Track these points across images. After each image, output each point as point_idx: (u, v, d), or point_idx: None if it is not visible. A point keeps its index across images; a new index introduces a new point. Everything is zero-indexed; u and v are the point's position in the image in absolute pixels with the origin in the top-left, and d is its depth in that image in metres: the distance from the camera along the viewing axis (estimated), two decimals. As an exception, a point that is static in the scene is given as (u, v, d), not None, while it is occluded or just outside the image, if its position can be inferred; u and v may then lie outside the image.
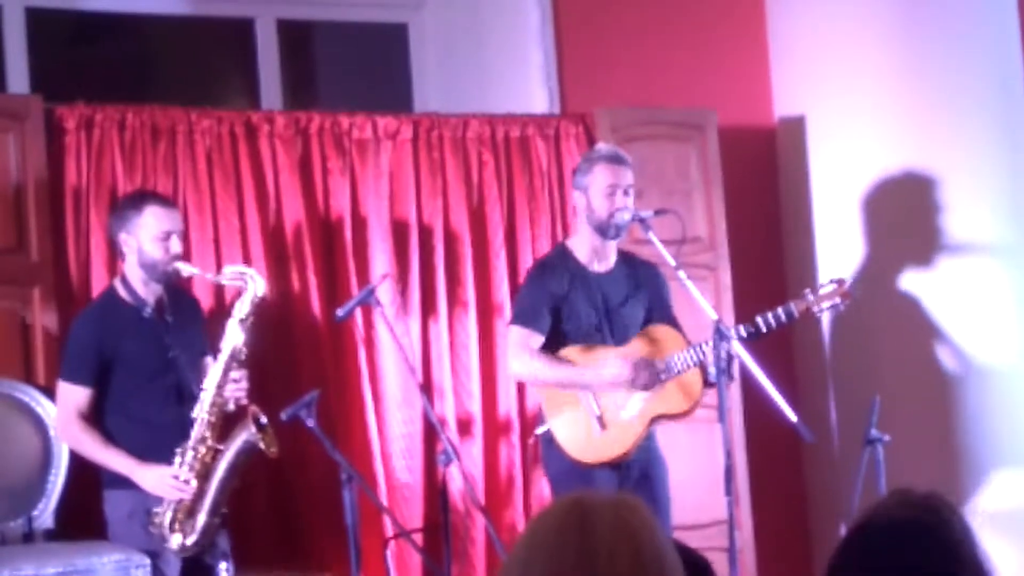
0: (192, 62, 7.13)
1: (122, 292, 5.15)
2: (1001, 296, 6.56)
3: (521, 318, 5.35)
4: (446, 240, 6.09)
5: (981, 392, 6.49)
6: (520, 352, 5.29)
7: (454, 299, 6.08)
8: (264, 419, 4.95)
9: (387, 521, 5.58)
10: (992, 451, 6.48)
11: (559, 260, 5.43)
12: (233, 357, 5.06)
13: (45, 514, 5.21)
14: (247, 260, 5.67)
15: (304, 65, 7.26)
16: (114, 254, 5.46)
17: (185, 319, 5.23)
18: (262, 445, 4.95)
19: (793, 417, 4.89)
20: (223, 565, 4.99)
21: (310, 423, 4.81)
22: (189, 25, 6.88)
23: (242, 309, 5.10)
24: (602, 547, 1.98)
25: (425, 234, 6.07)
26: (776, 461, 6.64)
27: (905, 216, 6.62)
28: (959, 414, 6.49)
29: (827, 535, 6.72)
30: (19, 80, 6.27)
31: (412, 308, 6.00)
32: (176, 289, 5.32)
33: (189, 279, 5.45)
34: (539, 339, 5.28)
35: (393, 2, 7.14)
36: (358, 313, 5.67)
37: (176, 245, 5.09)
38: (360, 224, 5.97)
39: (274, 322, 5.60)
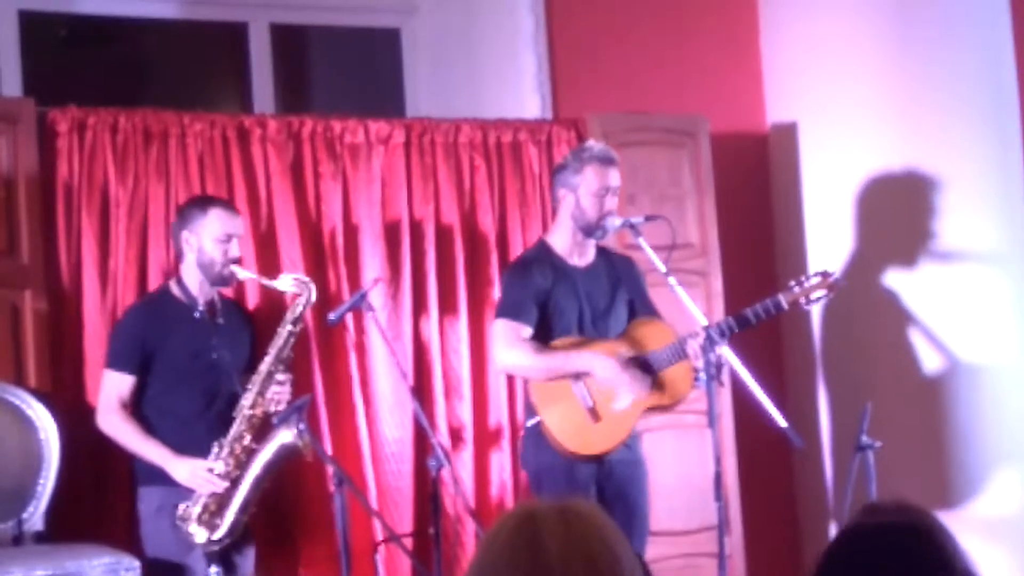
0: (185, 66, 7.13)
1: (176, 291, 5.27)
2: (993, 300, 6.58)
3: (508, 311, 5.34)
4: (438, 245, 6.09)
5: (971, 396, 6.51)
6: (508, 344, 5.28)
7: (446, 303, 6.08)
8: (304, 424, 4.98)
9: (377, 525, 5.57)
10: (983, 456, 6.50)
11: (541, 255, 5.43)
12: (279, 360, 5.16)
13: (35, 517, 5.21)
14: (238, 264, 5.66)
15: (297, 69, 7.26)
16: (104, 256, 5.49)
17: (235, 327, 5.35)
18: (301, 446, 4.99)
19: (783, 423, 4.90)
20: (213, 570, 5.00)
21: (301, 427, 4.83)
22: (182, 29, 6.88)
23: (294, 314, 5.22)
24: (556, 563, 1.97)
25: (417, 238, 6.07)
26: (766, 467, 6.65)
27: (897, 221, 6.63)
28: (949, 418, 6.50)
29: (817, 541, 6.73)
30: (12, 83, 6.28)
31: (404, 312, 6.00)
32: (230, 299, 5.47)
33: (239, 289, 5.58)
34: (528, 331, 5.27)
35: (386, 7, 7.14)
36: (350, 317, 5.67)
37: (235, 249, 5.24)
38: (352, 228, 5.97)
39: (266, 327, 5.59)
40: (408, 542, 5.66)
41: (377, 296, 5.76)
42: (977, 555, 2.31)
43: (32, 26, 6.44)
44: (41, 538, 5.21)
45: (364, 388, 5.88)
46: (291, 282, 5.30)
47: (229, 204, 5.42)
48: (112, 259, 5.54)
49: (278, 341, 5.20)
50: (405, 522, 5.87)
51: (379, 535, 5.61)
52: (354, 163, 6.00)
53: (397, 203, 6.05)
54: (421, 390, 5.94)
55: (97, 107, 5.64)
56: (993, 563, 5.85)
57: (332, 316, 5.32)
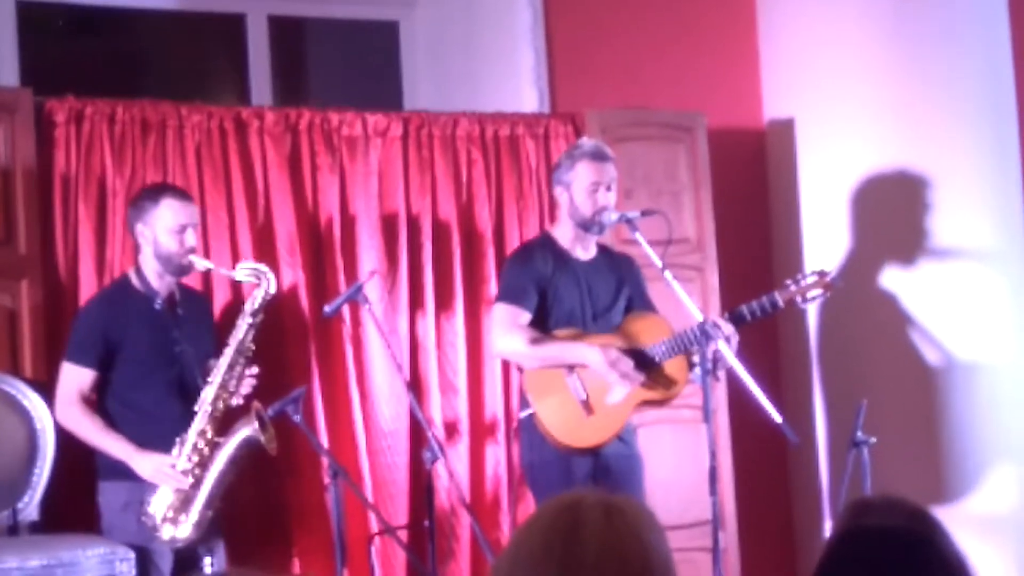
0: (183, 57, 7.13)
1: (135, 282, 5.19)
2: (989, 297, 6.58)
3: (508, 296, 5.34)
4: (434, 237, 6.10)
5: (967, 394, 6.51)
6: (506, 329, 5.28)
7: (442, 296, 6.08)
8: (267, 415, 4.95)
9: (372, 517, 5.58)
10: (978, 453, 6.50)
11: (545, 244, 5.44)
12: (240, 352, 5.10)
13: (30, 507, 5.21)
14: (235, 256, 5.67)
15: (295, 62, 7.27)
16: (101, 246, 5.49)
17: (195, 317, 5.28)
18: (263, 440, 4.95)
19: (778, 418, 4.90)
20: (207, 560, 5.00)
21: (297, 419, 4.83)
22: (180, 20, 6.88)
23: (253, 305, 5.14)
24: (589, 559, 1.97)
25: (414, 231, 6.07)
26: (761, 462, 6.66)
27: (893, 218, 6.64)
28: (944, 416, 6.51)
29: (811, 536, 6.74)
30: (9, 73, 6.26)
31: (400, 305, 6.00)
32: (189, 288, 5.39)
33: (207, 281, 5.53)
34: (527, 316, 5.27)
35: (384, 0, 7.14)
36: (346, 310, 5.68)
37: (191, 238, 5.14)
38: (349, 221, 5.97)
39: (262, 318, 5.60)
40: (403, 534, 5.66)
41: (373, 289, 5.76)
42: (971, 551, 2.32)
43: (30, 16, 6.43)
44: (36, 528, 5.21)
45: (360, 380, 5.89)
46: (248, 272, 5.23)
47: (183, 192, 5.31)
48: (109, 249, 5.53)
49: (237, 333, 5.11)
50: (400, 514, 5.88)
51: (374, 527, 5.62)
52: (351, 155, 6.00)
53: (394, 196, 6.06)
54: (416, 383, 5.95)
55: (95, 98, 5.63)
56: (987, 559, 5.86)
57: (328, 308, 5.32)
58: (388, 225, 6.02)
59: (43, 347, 5.36)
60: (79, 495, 5.30)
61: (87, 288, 5.47)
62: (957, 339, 6.53)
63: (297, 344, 5.78)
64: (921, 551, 2.22)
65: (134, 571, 4.90)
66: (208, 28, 7.10)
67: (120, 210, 5.52)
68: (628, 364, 5.20)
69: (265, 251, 5.76)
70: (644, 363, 5.26)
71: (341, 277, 5.88)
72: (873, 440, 5.30)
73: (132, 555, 4.91)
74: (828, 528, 6.27)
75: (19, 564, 4.80)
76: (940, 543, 2.25)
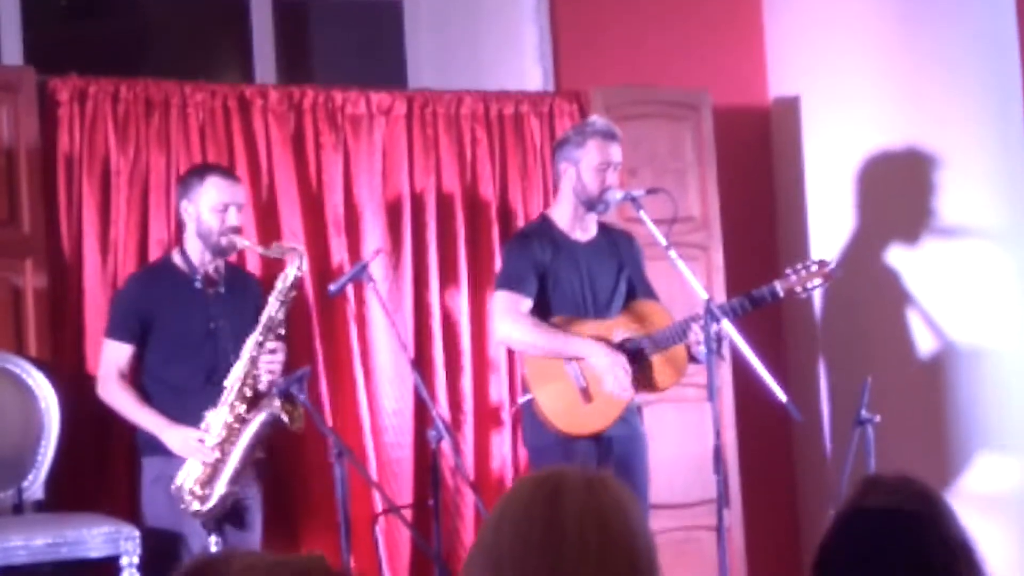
0: (187, 35, 7.11)
1: (177, 260, 5.24)
2: (994, 277, 6.57)
3: (508, 283, 5.33)
4: (439, 216, 6.09)
5: (971, 373, 6.51)
6: (508, 316, 5.28)
7: (446, 275, 6.08)
8: (299, 395, 4.95)
9: (377, 497, 5.59)
10: (981, 433, 6.50)
11: (542, 228, 5.43)
12: (270, 329, 5.11)
13: (35, 485, 5.22)
14: (239, 234, 5.66)
15: (298, 40, 7.25)
16: (105, 225, 5.50)
17: (239, 295, 5.28)
18: (284, 418, 4.96)
19: (783, 397, 4.90)
20: (212, 539, 5.01)
21: (301, 398, 4.82)
22: (184, -1, 6.87)
23: (284, 283, 5.15)
24: (570, 524, 1.97)
25: (418, 210, 6.07)
26: (765, 440, 6.66)
27: (898, 196, 6.63)
28: (949, 395, 6.50)
29: (816, 514, 6.74)
30: (13, 51, 6.26)
31: (404, 284, 6.00)
32: (238, 267, 5.42)
33: (240, 260, 5.54)
34: (528, 303, 5.27)
35: (389, -22, 7.13)
36: (350, 289, 5.66)
37: (234, 217, 5.17)
38: (353, 199, 5.96)
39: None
40: (408, 514, 5.67)
41: (378, 267, 5.76)
42: (973, 530, 2.31)
43: (34, -5, 6.43)
44: (41, 507, 5.23)
45: (364, 360, 5.89)
46: (284, 250, 5.26)
47: (228, 172, 5.37)
48: (113, 228, 5.53)
49: (269, 310, 5.13)
50: (405, 494, 5.89)
51: (379, 507, 5.63)
52: (355, 134, 5.99)
53: (398, 175, 6.05)
54: (421, 362, 5.95)
55: (98, 76, 5.63)
56: (989, 538, 5.86)
57: (333, 287, 5.31)
58: (392, 204, 6.02)
59: (47, 326, 5.36)
60: (84, 474, 5.31)
61: (91, 267, 5.47)
62: (962, 317, 6.52)
63: (301, 323, 5.78)
64: (919, 533, 2.22)
65: (139, 550, 4.92)
66: (212, 7, 7.08)
67: (123, 188, 5.53)
68: (626, 378, 5.18)
69: (269, 230, 5.76)
70: (642, 356, 5.26)
71: (345, 256, 5.88)
72: (877, 418, 5.29)
73: (137, 533, 4.93)
74: (832, 507, 6.27)
75: (24, 543, 4.82)
76: (940, 524, 2.24)
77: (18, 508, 5.16)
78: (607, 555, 1.97)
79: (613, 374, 5.17)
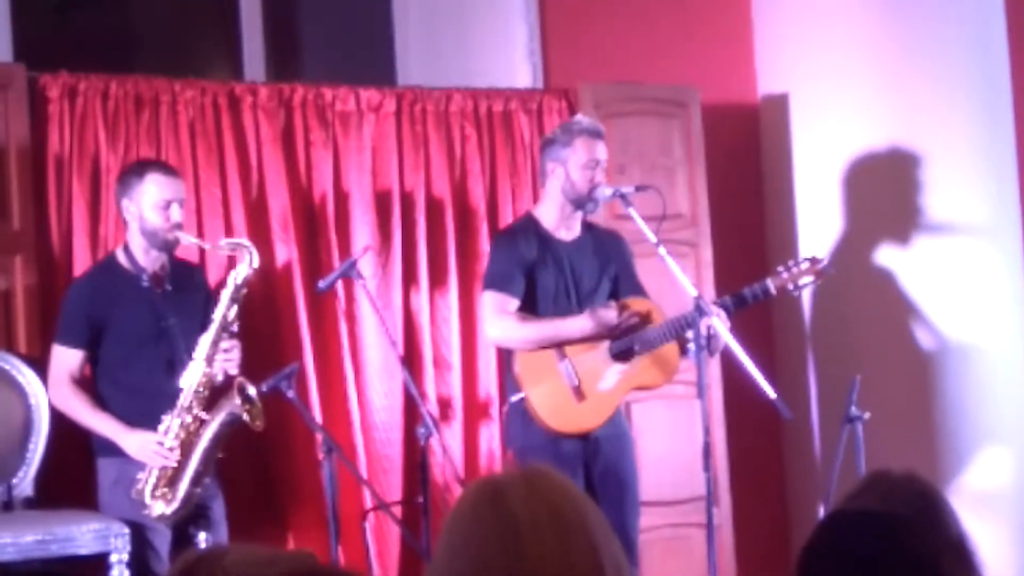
0: (176, 32, 7.10)
1: (122, 259, 5.16)
2: (982, 275, 6.59)
3: (495, 283, 5.33)
4: (428, 213, 6.10)
5: (961, 371, 6.52)
6: (497, 316, 5.28)
7: (436, 272, 6.09)
8: (253, 391, 4.93)
9: (366, 493, 5.59)
10: (971, 430, 6.52)
11: (527, 227, 5.43)
12: (224, 328, 5.05)
13: (25, 482, 5.22)
14: (229, 231, 5.68)
15: (288, 37, 7.24)
16: (95, 222, 5.49)
17: (186, 291, 5.23)
18: (246, 417, 4.93)
19: (772, 394, 4.90)
20: (202, 535, 5.00)
21: (290, 395, 4.83)
22: (174, -5, 6.86)
23: (236, 280, 5.10)
24: (523, 520, 1.96)
25: (407, 207, 6.07)
26: (755, 438, 6.67)
27: (887, 194, 6.64)
28: (938, 393, 6.52)
29: (805, 512, 6.75)
30: (3, 48, 6.24)
31: (393, 281, 6.01)
32: (182, 261, 5.35)
33: (202, 258, 5.51)
34: (515, 303, 5.27)
35: (378, -26, 7.12)
36: (339, 285, 5.67)
37: (177, 214, 5.10)
38: (342, 196, 5.97)
39: (255, 294, 5.59)
40: (397, 510, 5.67)
41: (367, 264, 5.77)
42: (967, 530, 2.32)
43: (23, -9, 6.41)
44: (31, 504, 5.22)
45: (354, 356, 5.89)
46: (232, 247, 5.22)
47: (168, 167, 5.28)
48: (102, 225, 5.53)
49: (221, 310, 5.06)
50: (394, 490, 5.89)
51: (368, 503, 5.63)
52: (345, 131, 6.00)
53: (388, 171, 6.05)
54: (410, 359, 5.95)
55: (88, 73, 5.62)
56: (977, 535, 5.88)
57: (322, 284, 5.32)
58: (382, 201, 6.02)
59: (37, 323, 5.36)
60: (74, 471, 5.30)
61: (81, 264, 5.47)
62: (951, 315, 6.54)
63: (290, 320, 5.78)
64: (902, 538, 2.21)
65: (129, 547, 4.91)
66: (201, 3, 7.07)
67: (114, 186, 5.52)
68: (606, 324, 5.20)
69: (258, 227, 5.76)
70: (632, 354, 5.27)
71: (335, 253, 5.88)
72: (867, 416, 5.31)
73: (127, 530, 4.91)
74: (822, 505, 6.29)
75: (13, 539, 4.81)
76: (930, 529, 2.23)
77: (8, 505, 5.16)
78: (566, 540, 1.96)
79: (604, 327, 5.17)
